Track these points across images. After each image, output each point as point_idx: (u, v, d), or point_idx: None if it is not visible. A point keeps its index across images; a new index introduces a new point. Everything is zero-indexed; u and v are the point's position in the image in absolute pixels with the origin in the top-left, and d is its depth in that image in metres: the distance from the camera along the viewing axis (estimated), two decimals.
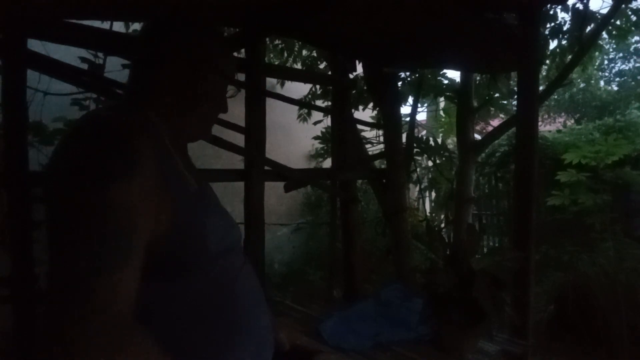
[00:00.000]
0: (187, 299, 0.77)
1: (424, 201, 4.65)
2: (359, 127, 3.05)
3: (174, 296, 0.76)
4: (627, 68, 10.84)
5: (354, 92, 3.02)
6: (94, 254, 0.64)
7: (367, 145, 3.50)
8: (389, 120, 2.75)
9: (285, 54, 3.75)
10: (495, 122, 3.98)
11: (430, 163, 4.18)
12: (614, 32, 3.24)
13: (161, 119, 0.84)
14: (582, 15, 2.75)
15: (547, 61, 3.16)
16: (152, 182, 0.71)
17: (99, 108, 1.02)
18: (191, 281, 0.78)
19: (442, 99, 3.94)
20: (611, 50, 10.34)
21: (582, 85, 9.55)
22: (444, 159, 3.81)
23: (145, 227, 0.70)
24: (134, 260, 0.68)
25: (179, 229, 0.75)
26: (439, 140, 3.79)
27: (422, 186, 4.21)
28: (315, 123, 4.07)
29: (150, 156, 0.72)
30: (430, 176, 4.58)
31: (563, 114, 10.08)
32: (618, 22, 3.17)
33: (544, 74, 3.67)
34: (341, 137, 2.57)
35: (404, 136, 3.02)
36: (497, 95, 3.37)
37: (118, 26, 2.60)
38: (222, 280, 0.83)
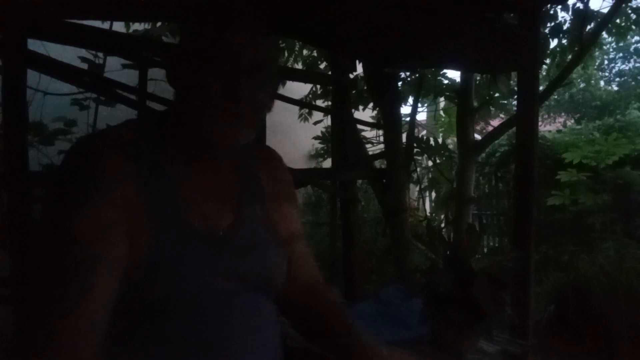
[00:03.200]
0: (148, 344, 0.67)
1: (424, 201, 4.64)
2: (359, 127, 3.05)
3: (137, 338, 0.67)
4: (627, 68, 10.89)
5: (354, 92, 3.02)
6: (55, 291, 0.58)
7: (367, 145, 3.49)
8: (389, 120, 2.75)
9: (286, 54, 3.75)
10: (495, 122, 3.98)
11: (430, 163, 4.17)
12: (613, 30, 3.24)
13: (173, 129, 0.75)
14: (583, 15, 2.75)
15: (547, 60, 3.16)
16: (123, 206, 0.64)
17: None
18: (156, 325, 0.67)
19: (442, 99, 3.94)
20: (611, 50, 10.35)
21: (582, 85, 9.57)
22: (444, 159, 3.81)
23: (116, 254, 0.63)
24: (101, 293, 0.60)
25: (149, 261, 0.66)
26: (439, 140, 3.79)
27: (422, 186, 4.21)
28: (315, 123, 4.07)
29: (122, 178, 0.65)
30: (430, 176, 4.57)
31: (563, 114, 10.10)
32: (618, 21, 3.17)
33: (544, 73, 3.67)
34: (341, 137, 2.57)
35: (404, 136, 3.02)
36: (497, 95, 3.37)
37: (118, 26, 2.60)
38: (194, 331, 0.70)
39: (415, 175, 3.85)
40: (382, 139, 3.15)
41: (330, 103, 2.77)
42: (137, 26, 2.87)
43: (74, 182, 0.64)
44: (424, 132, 4.58)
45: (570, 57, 2.99)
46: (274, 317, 0.83)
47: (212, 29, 0.72)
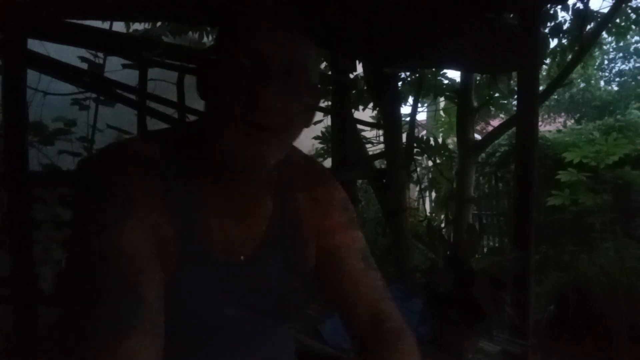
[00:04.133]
0: None
1: (424, 201, 4.65)
2: (359, 127, 3.05)
3: None
4: (627, 68, 10.87)
5: (354, 92, 3.02)
6: (108, 311, 0.54)
7: (367, 145, 3.50)
8: (389, 120, 2.75)
9: None
10: (495, 122, 3.98)
11: (430, 163, 4.18)
12: (613, 30, 3.25)
13: (198, 145, 0.67)
14: (583, 15, 2.76)
15: (547, 60, 3.16)
16: (155, 226, 0.61)
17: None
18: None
19: (442, 99, 3.94)
20: (611, 50, 10.35)
21: (582, 85, 9.57)
22: (444, 158, 3.81)
23: (158, 271, 0.60)
24: (155, 308, 0.56)
25: (168, 285, 0.62)
26: (439, 140, 3.79)
27: (422, 186, 4.21)
28: (316, 123, 4.07)
29: (151, 198, 0.62)
30: (430, 176, 4.58)
31: (563, 114, 10.09)
32: (618, 21, 3.18)
33: (544, 73, 3.67)
34: (341, 137, 2.57)
35: (404, 136, 3.02)
36: (497, 95, 3.37)
37: (118, 26, 2.60)
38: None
39: (415, 175, 3.86)
40: (382, 139, 3.15)
41: (330, 103, 2.77)
42: (137, 26, 2.87)
43: (108, 200, 0.60)
44: (424, 132, 4.58)
45: (570, 57, 2.99)
46: (289, 346, 0.80)
47: (236, 29, 0.64)
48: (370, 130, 3.58)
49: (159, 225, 0.62)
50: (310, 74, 0.67)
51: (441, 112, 4.57)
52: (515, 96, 2.35)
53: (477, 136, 3.61)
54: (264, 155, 0.63)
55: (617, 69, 11.00)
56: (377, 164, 3.36)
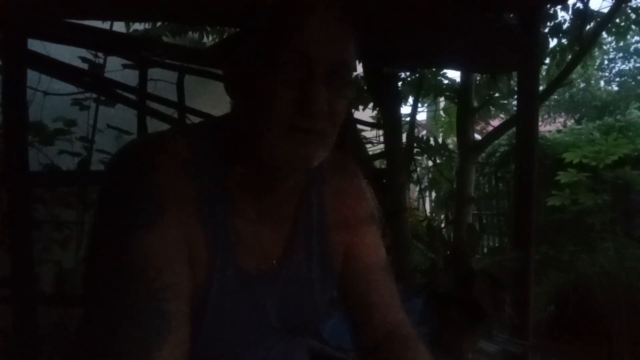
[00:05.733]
0: None
1: (424, 201, 4.64)
2: (359, 127, 3.05)
3: None
4: (627, 68, 10.86)
5: None
6: (126, 337, 0.51)
7: (367, 145, 3.49)
8: (389, 120, 2.75)
9: None
10: (495, 122, 3.98)
11: (430, 163, 4.17)
12: (613, 30, 3.25)
13: (233, 147, 0.65)
14: (583, 15, 2.76)
15: (547, 60, 3.16)
16: (186, 233, 0.59)
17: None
18: None
19: (442, 99, 3.94)
20: (611, 50, 10.35)
21: (582, 85, 9.56)
22: (444, 158, 3.80)
23: (187, 282, 0.57)
24: (177, 333, 0.53)
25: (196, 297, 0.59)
26: (439, 140, 3.79)
27: (422, 186, 4.21)
28: None
29: (185, 202, 0.59)
30: (430, 176, 4.57)
31: (563, 114, 10.08)
32: (617, 20, 3.18)
33: (544, 73, 3.67)
34: (341, 137, 2.57)
35: (404, 136, 3.02)
36: (497, 95, 3.37)
37: (118, 26, 2.60)
38: None
39: (415, 175, 3.85)
40: (382, 139, 3.14)
41: None
42: (137, 26, 2.87)
43: (140, 204, 0.57)
44: (424, 132, 4.57)
45: (570, 56, 2.99)
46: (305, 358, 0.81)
47: (281, 29, 0.59)
48: (370, 130, 3.58)
49: (191, 232, 0.59)
50: (352, 69, 0.65)
51: (441, 112, 4.57)
52: (515, 96, 2.35)
53: (477, 136, 3.60)
54: (311, 158, 0.61)
55: (617, 69, 11.01)
56: (377, 164, 3.36)
